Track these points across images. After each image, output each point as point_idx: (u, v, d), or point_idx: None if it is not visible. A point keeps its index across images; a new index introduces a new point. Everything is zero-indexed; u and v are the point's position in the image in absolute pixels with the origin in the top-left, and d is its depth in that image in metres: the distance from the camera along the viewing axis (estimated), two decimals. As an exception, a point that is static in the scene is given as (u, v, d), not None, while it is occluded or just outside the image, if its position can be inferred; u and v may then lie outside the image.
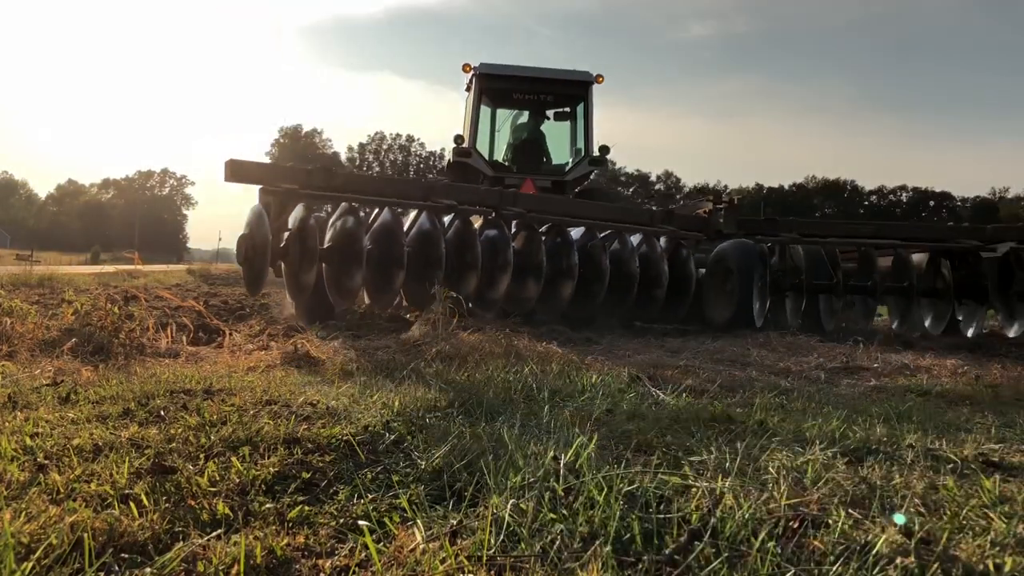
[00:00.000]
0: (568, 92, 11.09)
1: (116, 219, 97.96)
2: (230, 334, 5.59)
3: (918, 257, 7.00)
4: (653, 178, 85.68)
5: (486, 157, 10.86)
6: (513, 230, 5.97)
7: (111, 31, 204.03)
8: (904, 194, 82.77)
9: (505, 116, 11.70)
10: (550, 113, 11.39)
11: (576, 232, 6.22)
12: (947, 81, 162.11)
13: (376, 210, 5.74)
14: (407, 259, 5.46)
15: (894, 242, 7.08)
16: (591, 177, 10.73)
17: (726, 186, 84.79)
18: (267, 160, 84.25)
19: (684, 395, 3.60)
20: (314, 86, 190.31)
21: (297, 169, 5.94)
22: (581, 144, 11.02)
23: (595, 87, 10.91)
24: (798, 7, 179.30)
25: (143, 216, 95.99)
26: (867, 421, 3.05)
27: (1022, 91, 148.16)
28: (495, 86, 11.01)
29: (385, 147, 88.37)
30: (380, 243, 5.56)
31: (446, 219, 5.89)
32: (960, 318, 6.79)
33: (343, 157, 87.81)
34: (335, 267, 5.45)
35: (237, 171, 5.51)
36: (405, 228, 5.74)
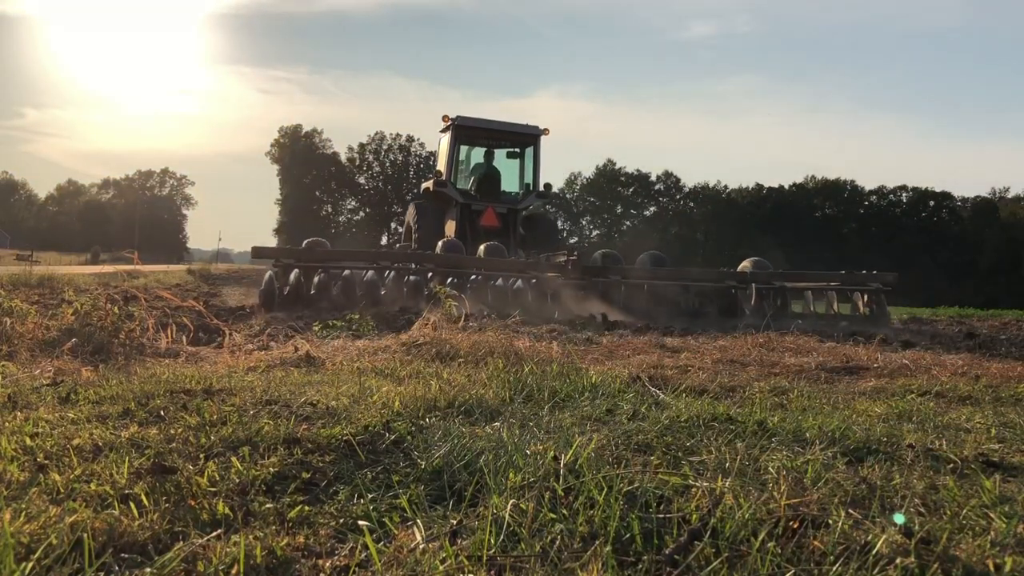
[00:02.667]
0: (522, 140, 14.13)
1: (116, 219, 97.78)
2: (230, 334, 5.59)
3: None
4: (653, 178, 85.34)
5: (458, 188, 13.61)
6: (431, 275, 9.22)
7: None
8: (904, 194, 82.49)
9: (474, 157, 14.57)
10: (506, 154, 14.47)
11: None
12: (947, 81, 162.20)
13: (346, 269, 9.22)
14: (359, 297, 8.54)
15: (686, 282, 10.32)
16: (539, 207, 14.65)
17: (726, 186, 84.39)
18: (267, 159, 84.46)
19: (684, 395, 3.60)
20: (313, 86, 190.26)
21: (294, 249, 10.08)
22: (530, 180, 14.00)
23: (543, 138, 13.97)
24: (798, 7, 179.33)
25: (143, 216, 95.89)
26: (867, 421, 3.06)
27: (1022, 91, 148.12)
28: (468, 134, 13.96)
29: (385, 147, 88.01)
30: (343, 289, 8.77)
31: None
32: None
33: (343, 157, 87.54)
34: (316, 303, 8.58)
35: (258, 252, 9.44)
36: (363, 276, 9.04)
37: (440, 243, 10.71)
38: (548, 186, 14.17)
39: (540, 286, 9.43)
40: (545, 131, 13.83)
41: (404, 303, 8.32)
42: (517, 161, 14.36)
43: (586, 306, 9.08)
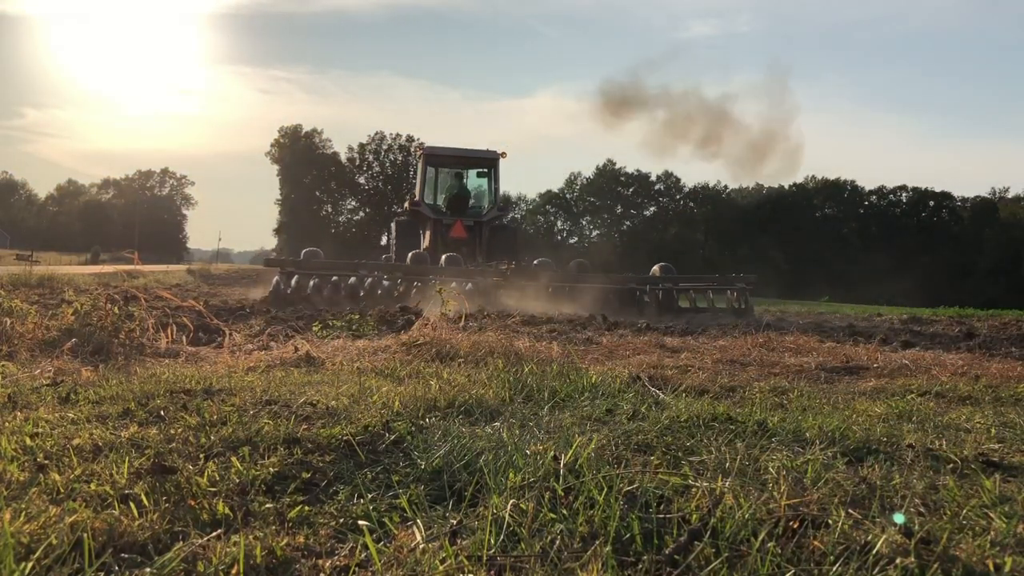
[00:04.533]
0: (483, 163, 16.77)
1: (116, 219, 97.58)
2: (230, 334, 5.59)
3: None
4: (653, 178, 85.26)
5: (433, 205, 16.29)
6: (400, 281, 11.52)
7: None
8: (904, 194, 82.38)
9: (444, 180, 17.18)
10: (476, 174, 17.14)
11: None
12: (947, 81, 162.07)
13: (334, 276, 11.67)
14: (343, 297, 10.98)
15: (604, 285, 12.42)
16: (502, 219, 17.24)
17: (726, 186, 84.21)
18: (267, 159, 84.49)
19: (684, 395, 3.60)
20: (314, 85, 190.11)
21: (297, 260, 12.05)
22: (492, 197, 16.67)
23: (501, 160, 16.59)
24: (799, 7, 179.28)
25: (143, 216, 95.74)
26: (867, 421, 3.06)
27: (1022, 91, 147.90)
28: (437, 160, 16.72)
29: (385, 147, 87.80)
30: (332, 290, 11.24)
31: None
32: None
33: (343, 157, 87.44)
34: (312, 301, 10.68)
35: (268, 262, 12.67)
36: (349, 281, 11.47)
37: (410, 255, 13.25)
38: (507, 201, 17.93)
39: (484, 288, 11.47)
40: (503, 154, 16.58)
41: (379, 301, 10.35)
42: (485, 182, 17.05)
43: (521, 303, 11.14)
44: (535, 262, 13.82)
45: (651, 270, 13.30)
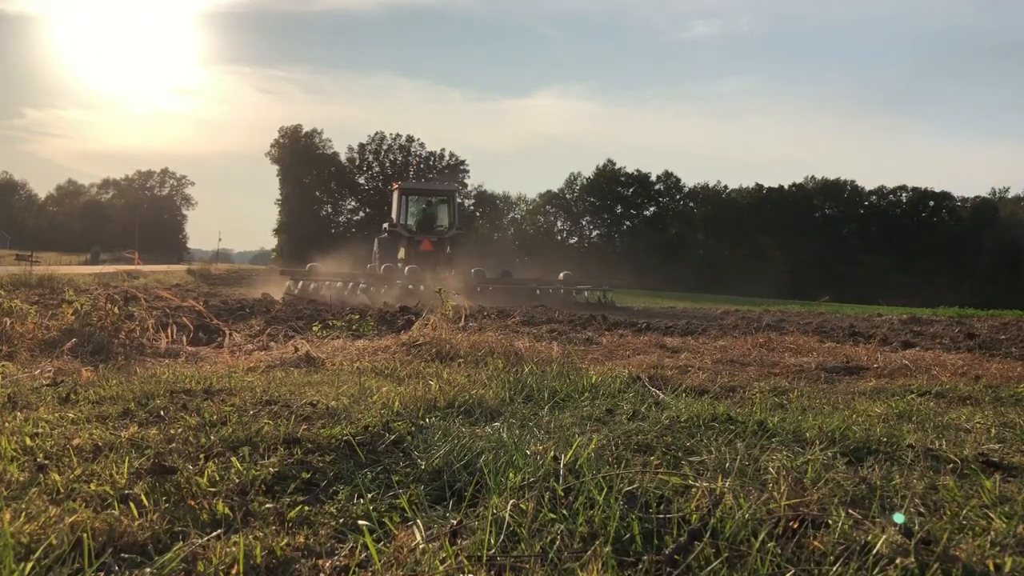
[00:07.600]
0: (444, 194, 22.67)
1: (116, 219, 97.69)
2: (230, 334, 5.59)
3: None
4: (653, 178, 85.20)
5: (407, 225, 21.09)
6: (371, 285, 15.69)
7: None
8: (904, 194, 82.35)
9: (415, 207, 22.17)
10: (437, 200, 22.48)
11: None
12: (947, 81, 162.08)
13: (327, 281, 16.10)
14: (331, 297, 14.52)
15: (510, 286, 17.47)
16: (461, 235, 22.12)
17: (726, 186, 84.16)
18: (267, 159, 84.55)
19: (684, 395, 3.60)
20: (314, 86, 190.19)
21: (301, 270, 17.62)
22: (453, 219, 21.80)
23: (459, 192, 23.06)
24: (800, 7, 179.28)
25: (143, 216, 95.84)
26: (867, 421, 3.06)
27: (1022, 91, 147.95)
28: (409, 192, 22.04)
29: (385, 147, 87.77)
30: (325, 290, 15.33)
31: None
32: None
33: (343, 157, 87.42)
34: (311, 298, 13.81)
35: (283, 272, 19.13)
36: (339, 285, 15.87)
37: (383, 267, 17.66)
38: (462, 223, 23.03)
39: (430, 289, 13.76)
40: (462, 185, 23.95)
41: (360, 299, 14.15)
42: (447, 206, 22.33)
43: (457, 299, 13.61)
44: (472, 271, 18.25)
45: (559, 275, 18.59)
